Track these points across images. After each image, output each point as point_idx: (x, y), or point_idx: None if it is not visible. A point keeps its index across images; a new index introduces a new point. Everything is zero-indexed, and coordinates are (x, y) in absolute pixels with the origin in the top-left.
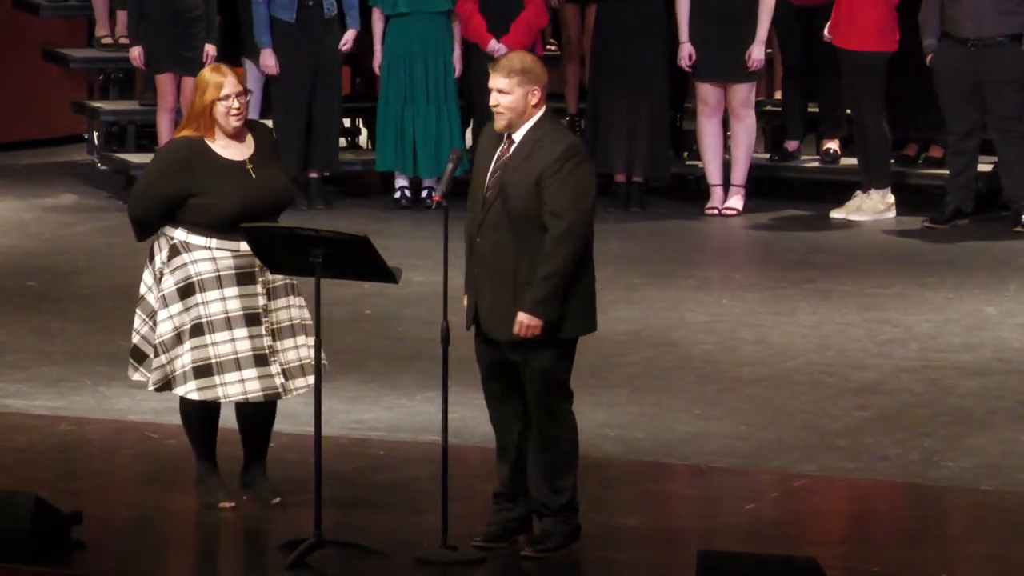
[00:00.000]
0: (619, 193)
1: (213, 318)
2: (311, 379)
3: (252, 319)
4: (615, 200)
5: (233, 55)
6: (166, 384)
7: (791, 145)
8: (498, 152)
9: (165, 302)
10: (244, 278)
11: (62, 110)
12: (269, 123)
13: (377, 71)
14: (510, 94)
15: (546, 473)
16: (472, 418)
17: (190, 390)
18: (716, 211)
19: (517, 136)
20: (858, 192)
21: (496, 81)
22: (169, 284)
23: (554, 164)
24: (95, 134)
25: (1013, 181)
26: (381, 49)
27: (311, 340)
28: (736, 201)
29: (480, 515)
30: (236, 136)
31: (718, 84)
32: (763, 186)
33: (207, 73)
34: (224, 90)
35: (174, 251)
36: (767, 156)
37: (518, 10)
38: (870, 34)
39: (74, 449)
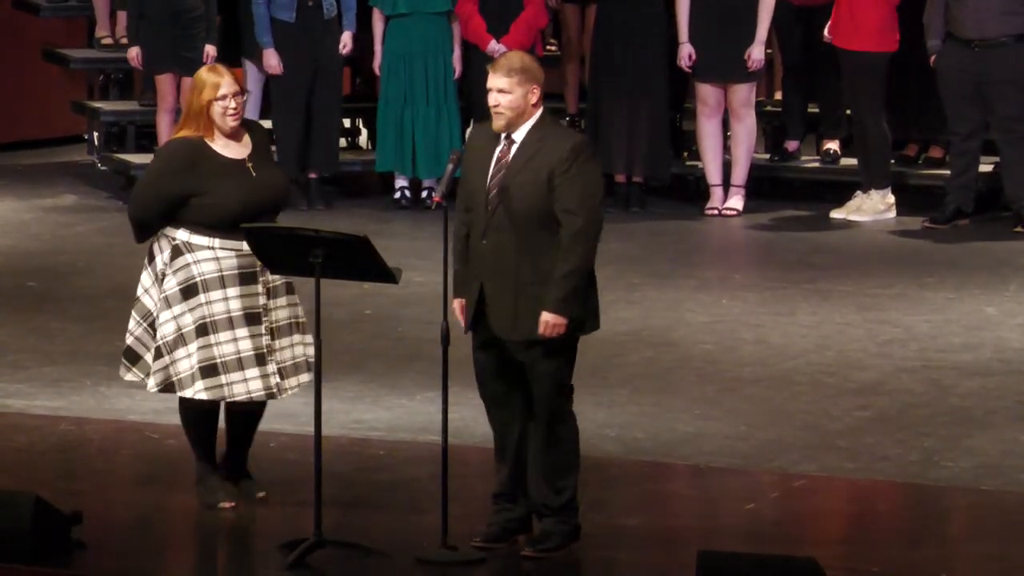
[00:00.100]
0: (619, 193)
1: (216, 318)
2: (303, 377)
3: (253, 318)
4: (615, 200)
5: (233, 55)
6: (170, 386)
7: (791, 145)
8: (497, 153)
9: (168, 303)
10: (246, 278)
11: (62, 110)
12: (268, 124)
13: (377, 71)
14: (510, 93)
15: (548, 473)
16: (472, 418)
17: (198, 390)
18: (716, 211)
19: (517, 136)
20: (858, 192)
21: (496, 81)
22: (172, 285)
23: (565, 161)
24: (95, 134)
25: (1014, 181)
26: (381, 49)
27: (306, 337)
28: (736, 201)
29: (480, 515)
30: (234, 135)
31: (718, 84)
32: (763, 186)
33: (204, 73)
34: (221, 90)
35: (176, 252)
36: (767, 156)
37: (518, 10)
38: (870, 34)
39: (74, 449)
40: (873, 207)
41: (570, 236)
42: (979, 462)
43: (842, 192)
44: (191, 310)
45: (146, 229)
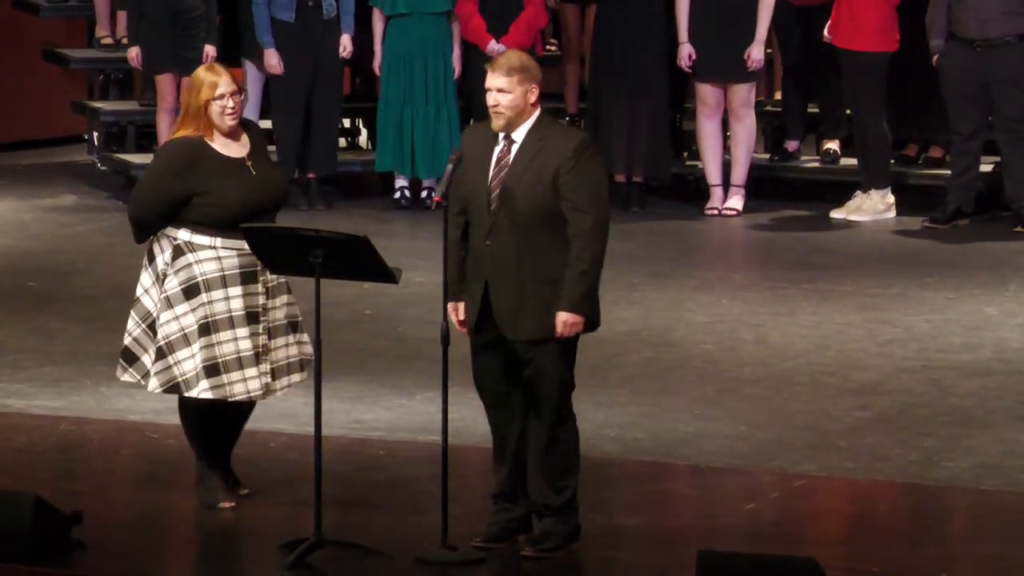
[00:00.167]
0: (619, 193)
1: (218, 317)
2: (293, 378)
3: (252, 318)
4: (615, 200)
5: (232, 56)
6: (175, 387)
7: (791, 145)
8: (496, 154)
9: (169, 303)
10: (247, 277)
11: (62, 110)
12: (268, 124)
13: (377, 71)
14: (510, 93)
15: (549, 473)
16: (472, 418)
17: (203, 390)
18: (716, 211)
19: (517, 136)
20: (858, 192)
21: (495, 80)
22: (174, 285)
23: (570, 160)
24: (95, 134)
25: (1016, 182)
26: (381, 49)
27: (301, 336)
28: (736, 201)
29: (480, 515)
30: (232, 135)
31: (718, 84)
32: (763, 186)
33: (201, 72)
34: (219, 89)
35: (178, 251)
36: (767, 156)
37: (518, 10)
38: (871, 34)
39: (74, 449)
40: (873, 207)
41: (582, 235)
42: (979, 462)
43: (842, 192)
44: (193, 310)
45: (146, 229)
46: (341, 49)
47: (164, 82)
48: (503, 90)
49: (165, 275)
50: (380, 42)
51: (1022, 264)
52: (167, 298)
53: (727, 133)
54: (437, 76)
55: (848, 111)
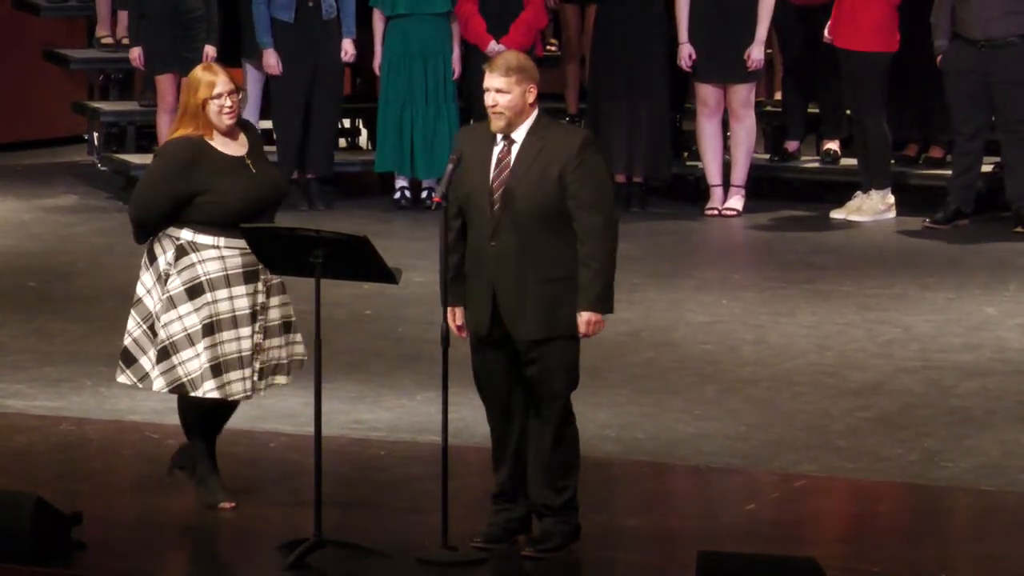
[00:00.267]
0: (619, 193)
1: (222, 317)
2: (279, 379)
3: (253, 317)
4: (615, 200)
5: (232, 56)
6: (180, 387)
7: (791, 146)
8: (496, 154)
9: (173, 303)
10: (249, 276)
11: (62, 111)
12: (269, 124)
13: (377, 72)
14: (509, 93)
15: (551, 472)
16: (472, 418)
17: (209, 390)
18: (716, 211)
19: (517, 136)
20: (858, 192)
21: (494, 80)
22: (177, 284)
23: (575, 158)
24: (95, 135)
25: (1017, 182)
26: (381, 50)
27: (294, 337)
28: (736, 202)
29: (480, 515)
30: (230, 134)
31: (718, 85)
32: (763, 187)
33: (199, 72)
34: (216, 88)
35: (181, 251)
36: (767, 157)
37: (518, 11)
38: (871, 34)
39: (74, 449)
40: (873, 207)
41: (592, 233)
42: (979, 462)
43: (842, 192)
44: (196, 310)
45: (147, 230)
46: (343, 53)
47: (164, 82)
48: (501, 90)
49: (168, 275)
50: (380, 42)
51: (1022, 264)
52: (170, 298)
53: (727, 133)
54: (437, 77)
55: (848, 111)
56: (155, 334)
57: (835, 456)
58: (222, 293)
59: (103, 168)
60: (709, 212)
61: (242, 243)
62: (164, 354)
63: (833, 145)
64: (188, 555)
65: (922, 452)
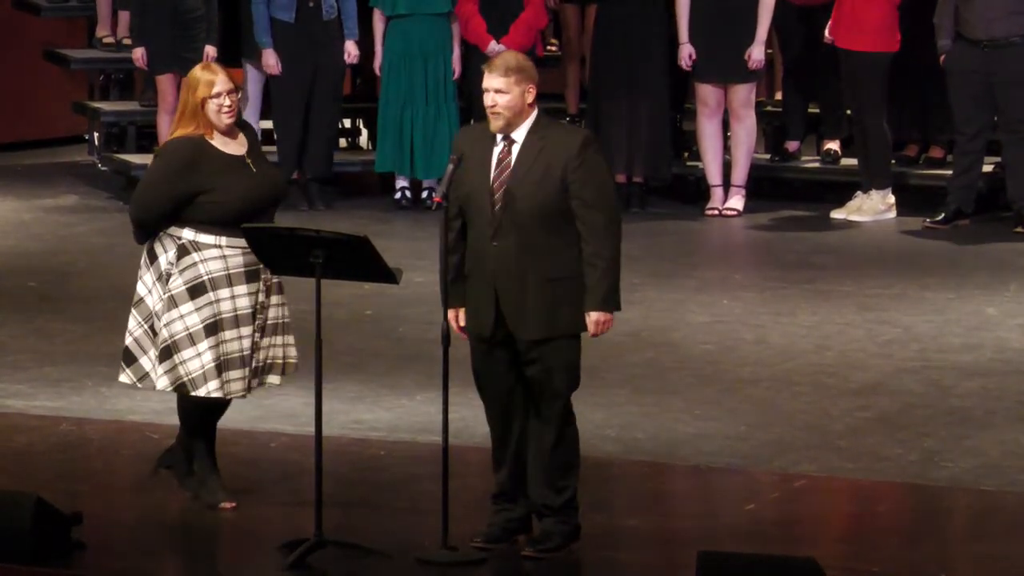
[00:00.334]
0: (620, 193)
1: (224, 316)
2: (271, 379)
3: (253, 316)
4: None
5: (232, 56)
6: (182, 386)
7: (791, 146)
8: (497, 155)
9: (174, 302)
10: (251, 276)
11: (62, 111)
12: (269, 124)
13: (377, 72)
14: (507, 93)
15: (551, 472)
16: (472, 418)
17: (212, 389)
18: (716, 212)
19: (517, 136)
20: (859, 193)
21: (492, 81)
22: (178, 284)
23: (577, 156)
24: (95, 135)
25: (1018, 182)
26: (381, 50)
27: (287, 339)
28: (736, 202)
29: (480, 515)
30: (230, 133)
31: (718, 85)
32: (763, 187)
33: (197, 71)
34: (215, 87)
35: (183, 251)
36: (767, 157)
37: (518, 11)
38: (872, 34)
39: (74, 449)
40: (873, 207)
41: (596, 232)
42: (979, 462)
43: (842, 192)
44: (198, 309)
45: (148, 229)
46: (346, 55)
47: (165, 82)
48: (500, 91)
49: (169, 274)
50: (380, 42)
51: (1022, 265)
52: (171, 297)
53: (727, 133)
54: (437, 77)
55: (848, 111)
56: (155, 333)
57: (835, 456)
58: (224, 292)
59: (103, 168)
60: (709, 212)
61: (243, 242)
62: (166, 353)
63: (833, 145)
64: (188, 555)
65: (922, 452)
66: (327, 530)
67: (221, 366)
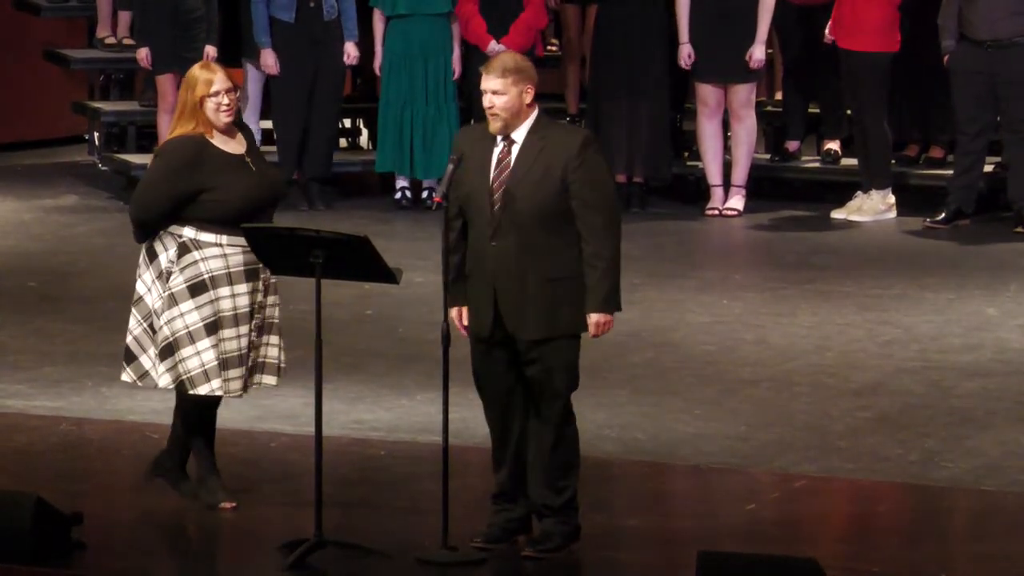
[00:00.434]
0: (620, 193)
1: (224, 314)
2: (266, 379)
3: (251, 315)
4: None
5: (232, 56)
6: (180, 384)
7: (792, 146)
8: (496, 155)
9: (174, 300)
10: (251, 274)
11: (63, 111)
12: (269, 124)
13: (377, 72)
14: (505, 94)
15: (551, 472)
16: (472, 418)
17: (215, 388)
18: (716, 212)
19: (517, 136)
20: (859, 193)
21: (490, 82)
22: (179, 282)
23: (577, 156)
24: (96, 135)
25: (1019, 182)
26: (382, 50)
27: (280, 341)
28: (736, 202)
29: (480, 515)
30: (228, 132)
31: (718, 85)
32: (764, 187)
33: (196, 70)
34: (214, 86)
35: (184, 249)
36: (768, 157)
37: (518, 11)
38: (872, 34)
39: (74, 449)
40: (874, 207)
41: (597, 233)
42: (979, 463)
43: (843, 192)
44: (198, 307)
45: (148, 229)
46: (346, 56)
47: (165, 82)
48: (498, 92)
49: (169, 273)
50: (380, 42)
51: (1023, 265)
52: (172, 295)
53: (727, 133)
54: (437, 77)
55: (849, 111)
56: (154, 331)
57: (835, 456)
58: (224, 291)
59: (104, 168)
60: (709, 212)
61: (244, 241)
62: (167, 351)
63: (833, 145)
64: (188, 555)
65: (922, 452)
66: (327, 530)
67: (222, 364)
